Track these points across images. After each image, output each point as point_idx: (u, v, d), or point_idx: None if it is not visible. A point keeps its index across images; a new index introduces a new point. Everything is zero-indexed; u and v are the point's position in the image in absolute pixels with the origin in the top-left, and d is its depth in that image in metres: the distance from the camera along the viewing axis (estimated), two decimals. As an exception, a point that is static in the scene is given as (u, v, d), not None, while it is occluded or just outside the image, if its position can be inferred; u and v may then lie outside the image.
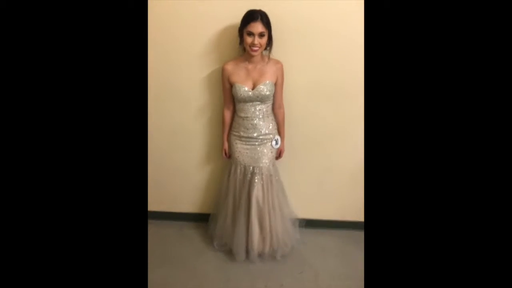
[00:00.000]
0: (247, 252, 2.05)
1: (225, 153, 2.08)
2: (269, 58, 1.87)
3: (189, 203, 2.47)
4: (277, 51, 1.89)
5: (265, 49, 1.82)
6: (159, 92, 2.11)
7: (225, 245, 2.17)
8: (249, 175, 1.95)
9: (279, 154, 2.07)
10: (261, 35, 1.71)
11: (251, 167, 1.95)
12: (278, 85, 1.89)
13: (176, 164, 2.34)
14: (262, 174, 1.94)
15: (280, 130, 2.02)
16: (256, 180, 1.93)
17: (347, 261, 2.14)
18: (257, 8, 1.74)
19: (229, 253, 2.15)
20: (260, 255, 2.08)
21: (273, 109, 1.97)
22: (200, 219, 2.46)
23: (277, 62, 1.88)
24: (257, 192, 1.93)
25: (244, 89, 1.82)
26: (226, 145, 2.06)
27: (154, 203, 2.43)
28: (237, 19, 1.77)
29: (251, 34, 1.70)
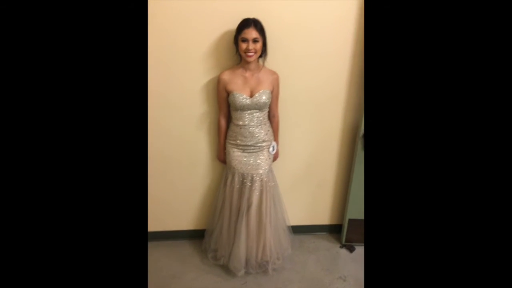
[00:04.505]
0: (246, 264, 2.06)
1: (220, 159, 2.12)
2: (263, 65, 1.90)
3: (183, 220, 2.41)
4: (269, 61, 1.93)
5: (260, 56, 1.84)
6: (154, 103, 2.02)
7: (220, 259, 2.14)
8: (249, 183, 1.96)
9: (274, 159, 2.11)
10: (255, 40, 1.73)
11: (250, 175, 1.96)
12: (273, 95, 1.93)
13: (168, 182, 2.27)
14: (261, 180, 1.96)
15: (274, 137, 2.05)
16: (256, 187, 1.95)
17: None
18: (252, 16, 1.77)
19: (225, 267, 2.12)
20: (253, 267, 2.08)
21: (268, 117, 2.00)
22: (194, 236, 2.42)
23: (274, 73, 1.92)
24: (256, 199, 1.95)
25: (243, 97, 1.83)
26: (222, 153, 2.08)
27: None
28: (234, 26, 1.79)
29: (245, 40, 1.73)
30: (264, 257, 2.08)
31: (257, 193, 1.95)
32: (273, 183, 2.05)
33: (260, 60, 1.89)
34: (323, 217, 2.50)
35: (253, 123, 1.90)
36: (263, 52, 1.83)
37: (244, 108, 1.86)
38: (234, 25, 1.78)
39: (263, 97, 1.84)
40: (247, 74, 1.86)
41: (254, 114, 1.89)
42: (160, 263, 2.23)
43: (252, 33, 1.72)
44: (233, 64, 1.93)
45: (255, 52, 1.76)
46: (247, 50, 1.74)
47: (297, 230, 2.41)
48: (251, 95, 1.85)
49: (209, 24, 1.86)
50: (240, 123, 1.91)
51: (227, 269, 2.12)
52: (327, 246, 2.42)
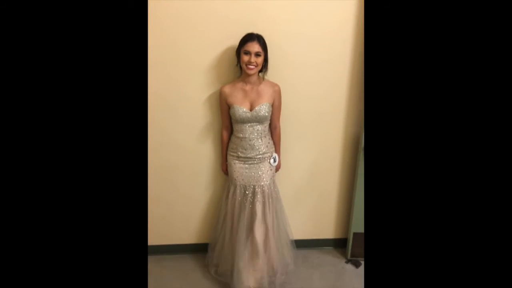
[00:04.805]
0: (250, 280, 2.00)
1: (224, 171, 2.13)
2: (263, 78, 1.94)
3: (186, 233, 2.39)
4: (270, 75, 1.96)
5: (261, 70, 1.88)
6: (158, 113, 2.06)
7: (222, 274, 2.10)
8: (250, 195, 1.95)
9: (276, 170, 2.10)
10: (257, 54, 1.78)
11: (252, 186, 1.95)
12: (275, 107, 1.95)
13: (171, 193, 2.26)
14: (263, 192, 1.95)
15: (276, 148, 2.05)
16: (258, 199, 1.94)
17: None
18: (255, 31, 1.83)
19: (227, 283, 2.06)
20: (259, 285, 2.01)
21: (269, 128, 2.00)
22: (196, 250, 2.39)
23: (275, 85, 1.94)
24: (259, 212, 1.93)
25: (242, 110, 1.86)
26: (225, 165, 2.09)
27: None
28: (236, 42, 1.84)
29: (247, 53, 1.78)
30: (268, 272, 2.03)
31: (259, 206, 1.94)
32: (275, 196, 2.03)
33: (261, 75, 1.93)
34: (328, 231, 2.46)
35: (254, 136, 1.91)
36: (264, 67, 1.87)
37: (245, 120, 1.88)
38: (237, 39, 1.83)
39: (262, 110, 1.86)
40: (247, 87, 1.89)
41: (255, 126, 1.90)
42: (162, 278, 2.20)
43: (255, 47, 1.76)
44: (235, 77, 1.97)
45: (256, 66, 1.80)
46: (248, 63, 1.78)
47: (301, 244, 2.37)
48: (251, 108, 1.88)
49: (214, 37, 1.92)
50: (241, 135, 1.92)
51: (229, 285, 2.06)
52: (332, 262, 2.37)
